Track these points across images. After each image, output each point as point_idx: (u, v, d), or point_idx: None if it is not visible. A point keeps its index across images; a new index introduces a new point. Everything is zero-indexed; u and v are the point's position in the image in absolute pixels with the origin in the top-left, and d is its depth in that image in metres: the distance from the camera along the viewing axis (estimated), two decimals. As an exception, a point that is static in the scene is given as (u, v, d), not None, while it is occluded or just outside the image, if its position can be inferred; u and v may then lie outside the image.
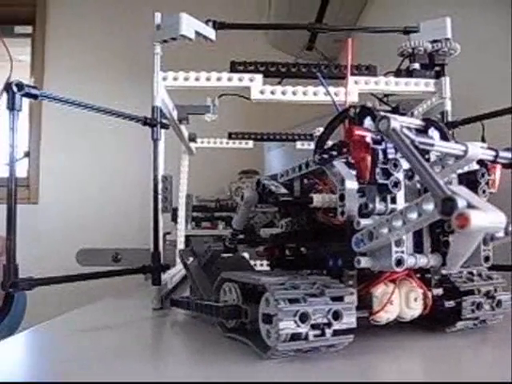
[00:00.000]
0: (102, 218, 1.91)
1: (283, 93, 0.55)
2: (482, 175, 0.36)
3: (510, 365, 0.30)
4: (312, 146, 0.85)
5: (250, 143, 0.86)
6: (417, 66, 0.58)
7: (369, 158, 0.33)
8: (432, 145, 0.31)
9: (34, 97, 0.42)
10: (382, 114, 0.30)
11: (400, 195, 0.34)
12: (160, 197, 0.52)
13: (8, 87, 0.40)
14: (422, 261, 0.34)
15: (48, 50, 2.15)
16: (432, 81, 0.57)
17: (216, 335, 0.38)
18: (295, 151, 0.90)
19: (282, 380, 0.29)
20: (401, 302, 0.35)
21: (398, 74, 0.59)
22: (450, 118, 0.56)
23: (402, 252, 0.31)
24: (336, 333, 0.31)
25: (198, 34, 0.54)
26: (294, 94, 0.55)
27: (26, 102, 0.41)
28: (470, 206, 0.24)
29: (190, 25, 0.52)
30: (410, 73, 0.58)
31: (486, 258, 0.34)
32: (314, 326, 0.30)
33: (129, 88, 1.92)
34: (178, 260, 0.78)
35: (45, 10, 2.17)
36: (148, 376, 0.30)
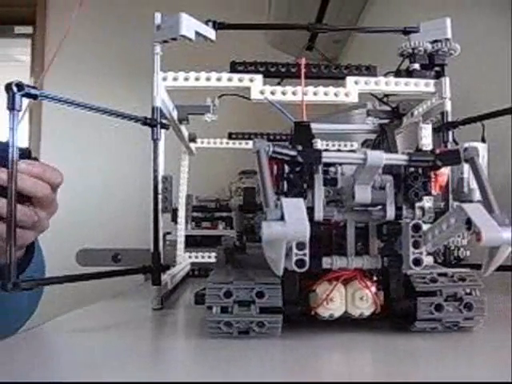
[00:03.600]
0: (102, 218, 1.91)
1: (283, 93, 0.55)
2: (415, 178, 0.37)
3: (510, 364, 0.30)
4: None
5: (250, 143, 0.86)
6: (417, 66, 0.58)
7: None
8: (319, 158, 0.36)
9: (34, 97, 0.42)
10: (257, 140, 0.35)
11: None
12: (160, 197, 0.52)
13: (8, 87, 0.40)
14: (356, 262, 0.38)
15: (48, 50, 2.15)
16: (432, 81, 0.57)
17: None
18: (295, 151, 0.90)
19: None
20: (347, 300, 0.38)
21: (397, 74, 0.59)
22: (449, 119, 0.56)
23: (304, 255, 0.34)
24: (262, 310, 0.37)
25: (198, 34, 0.54)
26: (294, 94, 0.55)
27: (26, 102, 0.41)
28: (282, 218, 0.30)
29: (190, 25, 0.52)
30: (409, 73, 0.58)
31: (416, 261, 0.35)
32: (239, 303, 0.37)
33: (129, 88, 1.92)
34: (178, 260, 0.78)
35: (45, 10, 2.17)
36: (148, 376, 0.30)
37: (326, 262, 0.37)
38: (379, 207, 0.38)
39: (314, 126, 0.44)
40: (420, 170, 0.37)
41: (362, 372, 0.32)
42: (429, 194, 0.37)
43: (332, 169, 0.38)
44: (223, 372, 0.30)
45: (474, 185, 0.55)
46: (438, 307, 0.38)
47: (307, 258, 0.34)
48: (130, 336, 0.41)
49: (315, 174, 0.37)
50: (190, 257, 0.82)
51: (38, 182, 0.51)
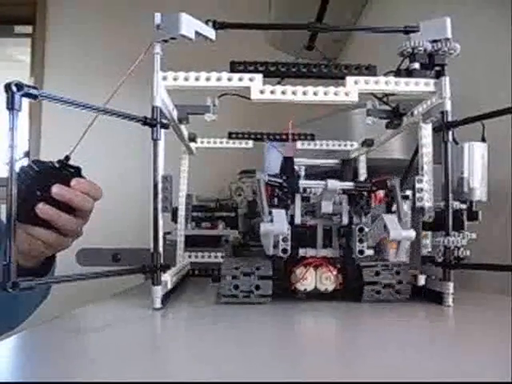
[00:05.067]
0: (102, 218, 1.90)
1: (283, 93, 0.55)
2: (361, 197, 0.56)
3: (510, 364, 0.30)
4: (312, 145, 0.85)
5: (250, 143, 0.86)
6: (417, 65, 0.58)
7: None
8: (297, 184, 0.57)
9: (34, 97, 0.42)
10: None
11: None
12: (160, 196, 0.52)
13: (7, 87, 0.40)
14: (322, 252, 0.57)
15: (48, 50, 2.15)
16: (432, 81, 0.56)
17: (215, 334, 0.38)
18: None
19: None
20: (316, 279, 0.55)
21: (397, 73, 0.59)
22: (449, 118, 0.56)
23: (287, 245, 0.51)
24: (258, 296, 0.53)
25: (197, 33, 0.54)
26: (294, 93, 0.55)
27: (25, 101, 0.41)
28: (271, 221, 0.50)
29: (189, 25, 0.52)
30: (409, 73, 0.58)
31: (361, 251, 0.53)
32: (243, 291, 0.53)
33: (129, 88, 1.92)
34: (178, 260, 0.78)
35: (45, 10, 2.17)
36: (148, 376, 0.30)
37: (302, 251, 0.56)
38: (338, 216, 0.56)
39: (296, 160, 0.65)
40: (364, 193, 0.56)
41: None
42: (370, 207, 0.56)
43: (308, 189, 0.60)
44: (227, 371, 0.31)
45: (474, 184, 0.56)
46: (378, 292, 0.55)
47: (289, 248, 0.52)
48: (130, 335, 0.41)
49: (296, 193, 0.57)
50: (189, 257, 0.82)
51: (87, 198, 0.59)
